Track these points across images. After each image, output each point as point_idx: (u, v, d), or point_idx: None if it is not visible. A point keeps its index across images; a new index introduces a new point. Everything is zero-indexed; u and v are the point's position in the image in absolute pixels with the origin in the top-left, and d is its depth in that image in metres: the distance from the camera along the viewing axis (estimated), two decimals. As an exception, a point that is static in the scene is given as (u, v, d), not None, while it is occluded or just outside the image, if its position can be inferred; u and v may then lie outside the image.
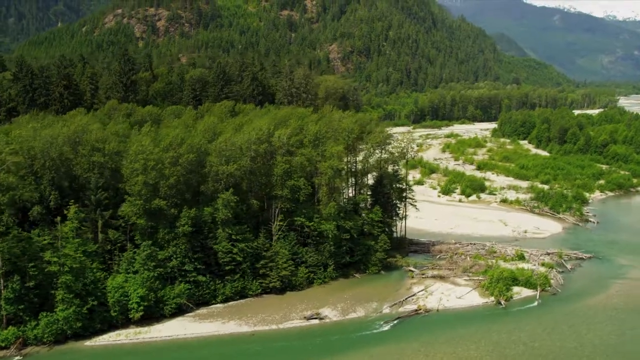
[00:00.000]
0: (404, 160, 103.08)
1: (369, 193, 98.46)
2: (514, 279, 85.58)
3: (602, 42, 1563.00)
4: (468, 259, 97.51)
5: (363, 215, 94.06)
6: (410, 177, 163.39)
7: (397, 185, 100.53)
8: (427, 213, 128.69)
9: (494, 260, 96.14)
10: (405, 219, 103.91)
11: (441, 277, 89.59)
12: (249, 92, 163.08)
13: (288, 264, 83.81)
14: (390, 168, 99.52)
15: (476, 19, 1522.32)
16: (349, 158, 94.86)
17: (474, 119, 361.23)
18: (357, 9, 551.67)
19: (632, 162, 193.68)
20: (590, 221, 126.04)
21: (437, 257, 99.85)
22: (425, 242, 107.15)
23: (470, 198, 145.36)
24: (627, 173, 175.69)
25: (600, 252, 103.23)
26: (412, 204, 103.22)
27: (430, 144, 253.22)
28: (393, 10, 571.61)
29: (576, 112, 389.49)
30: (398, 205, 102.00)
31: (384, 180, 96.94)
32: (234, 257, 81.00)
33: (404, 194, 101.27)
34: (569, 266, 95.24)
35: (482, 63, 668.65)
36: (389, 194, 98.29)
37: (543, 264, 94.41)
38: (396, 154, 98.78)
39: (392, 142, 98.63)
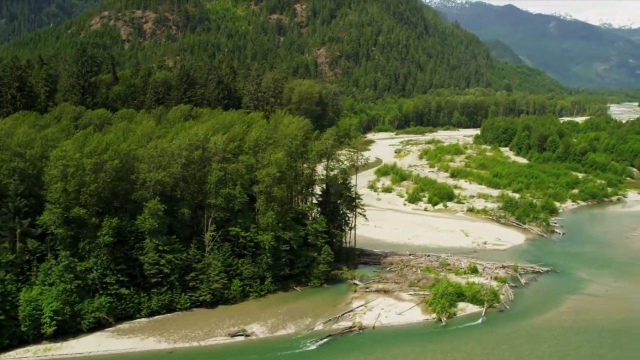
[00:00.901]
0: (355, 169, 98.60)
1: (314, 202, 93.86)
2: (460, 295, 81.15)
3: (597, 50, 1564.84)
4: (418, 271, 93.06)
5: (307, 225, 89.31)
6: (379, 184, 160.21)
7: (347, 194, 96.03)
8: (388, 222, 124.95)
9: (445, 274, 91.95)
10: (354, 229, 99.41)
11: (385, 292, 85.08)
12: (215, 95, 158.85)
13: (220, 276, 79.25)
14: (340, 176, 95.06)
15: (472, 26, 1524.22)
16: (294, 165, 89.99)
17: (459, 125, 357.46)
18: (348, 13, 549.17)
19: (610, 171, 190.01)
20: (556, 232, 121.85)
21: (387, 269, 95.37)
22: (378, 253, 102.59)
23: (437, 207, 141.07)
24: (603, 182, 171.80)
25: (560, 265, 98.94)
26: (361, 214, 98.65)
27: (410, 150, 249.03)
28: (384, 15, 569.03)
29: (565, 119, 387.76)
30: (348, 215, 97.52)
31: (331, 189, 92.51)
32: (161, 269, 76.43)
33: (354, 204, 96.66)
34: (523, 280, 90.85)
35: (474, 69, 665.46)
36: (336, 203, 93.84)
37: (496, 278, 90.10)
38: (345, 162, 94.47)
39: (340, 150, 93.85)
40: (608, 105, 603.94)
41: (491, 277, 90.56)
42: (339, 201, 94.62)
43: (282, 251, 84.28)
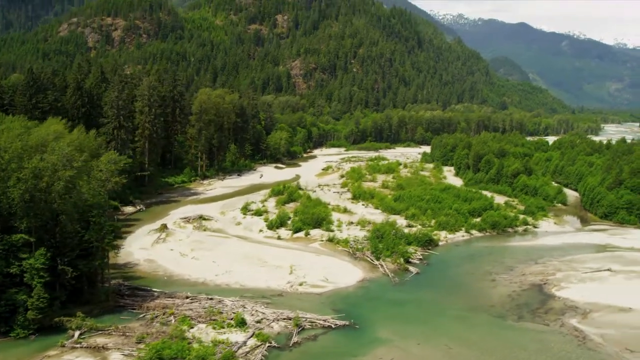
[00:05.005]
0: (106, 189, 79.92)
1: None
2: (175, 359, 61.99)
3: (610, 69, 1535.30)
4: (173, 320, 74.12)
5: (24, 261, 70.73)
6: (255, 206, 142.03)
7: (97, 220, 77.39)
8: (214, 252, 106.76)
9: (204, 326, 73.04)
10: (107, 263, 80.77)
11: (97, 349, 66.08)
12: (71, 103, 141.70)
13: None
14: (81, 197, 76.43)
15: (484, 44, 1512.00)
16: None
17: (422, 142, 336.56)
18: (332, 25, 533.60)
19: (541, 196, 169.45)
20: (410, 271, 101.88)
21: (142, 316, 76.45)
22: (151, 294, 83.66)
23: (298, 235, 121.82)
24: (520, 209, 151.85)
25: (368, 317, 79.13)
26: (107, 247, 79.82)
27: (341, 167, 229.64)
28: (370, 28, 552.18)
29: (546, 138, 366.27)
30: (99, 245, 78.86)
31: (62, 216, 73.92)
32: None
33: (103, 233, 77.94)
34: (295, 339, 71.16)
35: (469, 85, 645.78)
36: (71, 233, 75.20)
37: (259, 335, 70.67)
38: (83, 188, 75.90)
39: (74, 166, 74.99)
40: (602, 124, 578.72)
41: (255, 333, 71.23)
42: (81, 230, 76.01)
43: (-34, 293, 66.10)
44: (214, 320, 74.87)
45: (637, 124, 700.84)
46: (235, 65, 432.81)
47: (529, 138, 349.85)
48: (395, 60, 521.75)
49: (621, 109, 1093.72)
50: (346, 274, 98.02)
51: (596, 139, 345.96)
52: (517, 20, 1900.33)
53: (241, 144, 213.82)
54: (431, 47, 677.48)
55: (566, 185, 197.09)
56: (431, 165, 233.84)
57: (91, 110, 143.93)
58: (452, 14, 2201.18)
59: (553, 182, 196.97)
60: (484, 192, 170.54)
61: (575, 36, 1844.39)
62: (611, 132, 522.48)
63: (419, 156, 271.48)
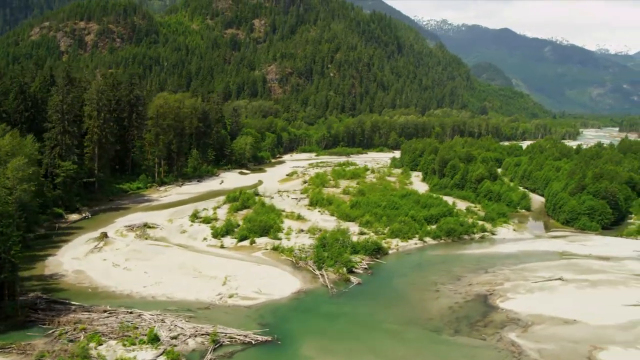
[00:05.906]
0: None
1: None
2: (66, 383, 57.37)
3: (592, 75, 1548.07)
4: (82, 337, 69.40)
5: None
6: (206, 213, 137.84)
7: (3, 231, 72.53)
8: (149, 263, 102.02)
9: (114, 342, 68.37)
10: (17, 275, 75.85)
11: (-12, 371, 61.44)
12: (13, 107, 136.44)
13: None
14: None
15: (467, 50, 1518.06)
16: None
17: (395, 147, 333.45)
18: (310, 30, 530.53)
19: (504, 202, 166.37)
20: (351, 281, 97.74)
21: (51, 331, 71.64)
22: (67, 308, 78.79)
23: (243, 243, 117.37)
24: (481, 215, 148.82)
25: (293, 332, 74.76)
26: (18, 259, 74.89)
27: (307, 173, 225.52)
28: (349, 33, 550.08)
29: (522, 143, 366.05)
30: (6, 257, 73.90)
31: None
32: None
33: (10, 243, 73.01)
34: (208, 357, 66.76)
35: (449, 90, 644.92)
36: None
37: (169, 353, 66.18)
38: None
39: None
40: (581, 129, 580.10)
41: (166, 350, 66.74)
42: (-16, 241, 71.17)
43: None
44: (127, 336, 70.19)
45: (617, 129, 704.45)
46: (210, 69, 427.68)
47: (505, 143, 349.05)
48: (373, 65, 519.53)
49: (602, 114, 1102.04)
50: (283, 284, 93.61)
51: (572, 143, 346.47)
52: (501, 26, 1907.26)
53: (203, 149, 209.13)
54: (412, 52, 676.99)
55: (533, 191, 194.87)
56: (399, 171, 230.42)
57: (36, 114, 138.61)
58: (436, 19, 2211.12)
59: (521, 188, 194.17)
60: (447, 198, 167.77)
61: (558, 42, 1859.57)
62: (589, 137, 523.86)
63: (390, 161, 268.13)
